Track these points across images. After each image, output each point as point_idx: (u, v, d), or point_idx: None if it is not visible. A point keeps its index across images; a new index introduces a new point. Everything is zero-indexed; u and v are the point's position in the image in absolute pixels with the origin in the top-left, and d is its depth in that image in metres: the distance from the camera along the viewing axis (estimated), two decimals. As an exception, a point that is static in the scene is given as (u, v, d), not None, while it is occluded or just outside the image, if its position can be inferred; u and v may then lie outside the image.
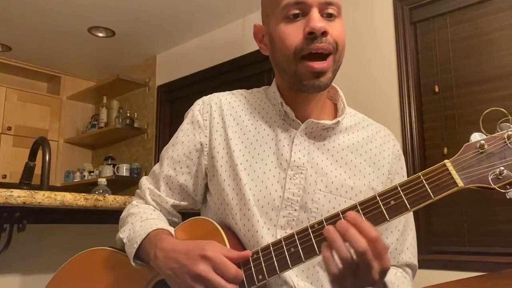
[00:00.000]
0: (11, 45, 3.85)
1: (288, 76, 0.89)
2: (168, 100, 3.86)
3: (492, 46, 2.11)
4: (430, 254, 2.12)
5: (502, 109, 0.71)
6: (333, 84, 0.97)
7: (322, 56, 0.85)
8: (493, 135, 0.71)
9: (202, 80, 3.53)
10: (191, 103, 1.04)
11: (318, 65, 0.84)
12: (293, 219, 0.86)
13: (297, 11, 0.84)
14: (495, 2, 2.12)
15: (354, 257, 0.66)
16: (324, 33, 0.83)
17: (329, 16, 0.86)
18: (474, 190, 0.71)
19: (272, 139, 0.93)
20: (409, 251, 0.94)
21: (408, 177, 1.00)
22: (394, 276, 0.87)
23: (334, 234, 0.68)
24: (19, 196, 1.13)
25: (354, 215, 0.69)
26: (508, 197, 0.67)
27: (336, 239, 0.67)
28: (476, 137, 0.72)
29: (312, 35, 0.83)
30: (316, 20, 0.83)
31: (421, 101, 2.31)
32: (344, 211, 0.73)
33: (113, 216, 1.19)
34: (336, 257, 0.68)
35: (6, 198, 1.11)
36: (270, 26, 0.91)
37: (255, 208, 0.86)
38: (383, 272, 0.69)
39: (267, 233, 0.85)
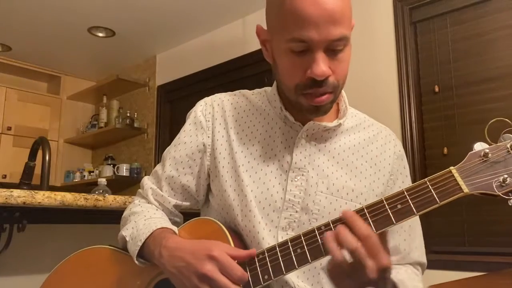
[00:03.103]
0: (11, 45, 3.85)
1: (289, 99, 0.89)
2: (168, 100, 3.85)
3: (492, 46, 2.11)
4: (430, 254, 2.11)
5: (507, 120, 0.72)
6: None
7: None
8: (497, 144, 0.73)
9: (202, 80, 3.53)
10: (191, 103, 1.04)
11: (317, 99, 0.83)
12: (295, 221, 0.86)
13: (302, 48, 0.80)
14: (495, 2, 2.12)
15: (348, 256, 0.69)
16: (326, 78, 0.81)
17: (336, 48, 0.81)
18: (474, 191, 0.72)
19: (274, 140, 0.93)
20: (418, 250, 0.96)
21: (410, 177, 1.01)
22: (405, 273, 0.88)
23: (328, 236, 0.71)
24: (19, 196, 1.13)
25: (349, 214, 0.72)
26: (510, 204, 0.69)
27: (329, 241, 0.71)
28: (478, 146, 0.74)
29: (313, 79, 0.81)
30: (320, 66, 0.79)
31: (421, 101, 2.31)
32: None
33: (113, 216, 1.19)
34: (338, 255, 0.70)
35: (6, 198, 1.11)
36: (273, 44, 0.87)
37: (256, 209, 0.87)
38: (382, 270, 0.69)
39: (268, 234, 0.85)
